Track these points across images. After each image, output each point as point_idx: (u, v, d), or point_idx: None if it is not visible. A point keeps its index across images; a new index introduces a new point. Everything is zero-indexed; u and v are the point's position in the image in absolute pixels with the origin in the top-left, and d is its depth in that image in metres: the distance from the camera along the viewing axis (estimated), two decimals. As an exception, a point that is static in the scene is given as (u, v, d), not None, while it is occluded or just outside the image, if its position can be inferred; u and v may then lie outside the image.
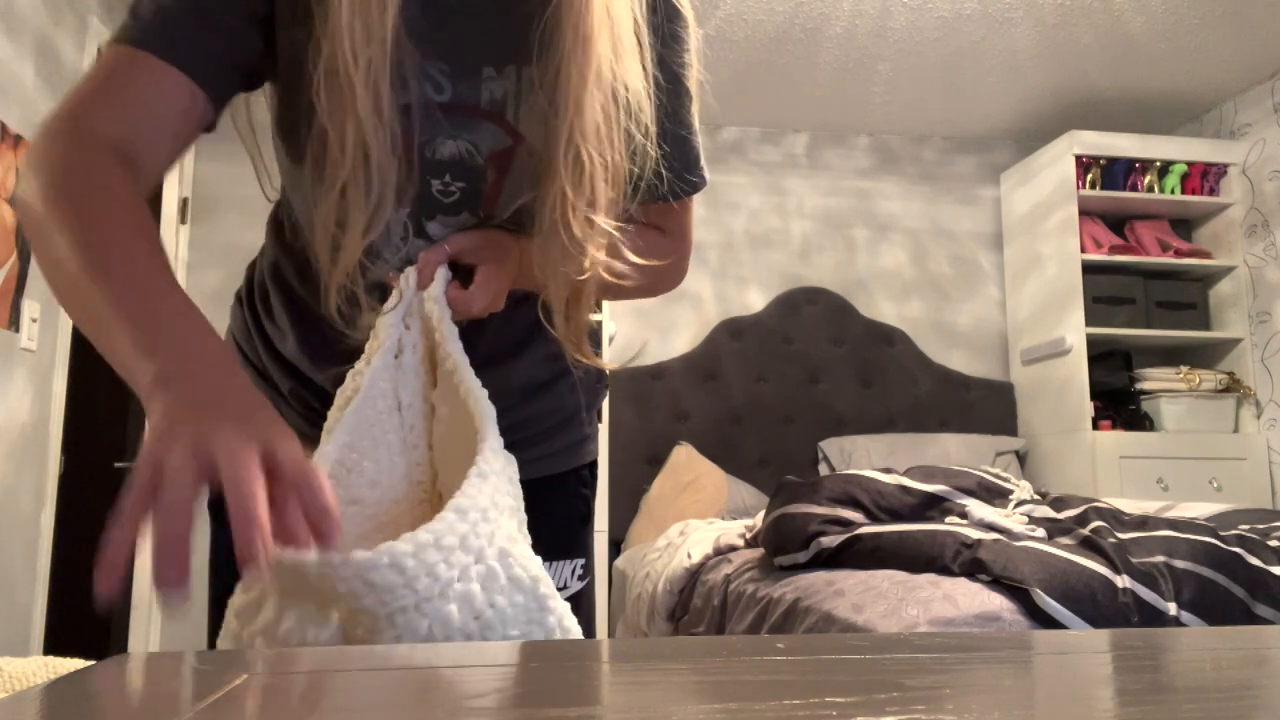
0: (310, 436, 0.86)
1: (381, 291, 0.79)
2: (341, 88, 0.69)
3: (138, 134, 0.69)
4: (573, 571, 0.93)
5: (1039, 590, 1.57)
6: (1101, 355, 3.67)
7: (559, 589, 0.81)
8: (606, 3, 0.74)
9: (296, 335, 0.88)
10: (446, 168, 0.78)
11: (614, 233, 0.76)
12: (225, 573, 0.93)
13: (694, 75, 0.88)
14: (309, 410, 0.89)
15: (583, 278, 0.75)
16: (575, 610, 0.78)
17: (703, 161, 0.93)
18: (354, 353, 0.81)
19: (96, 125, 0.68)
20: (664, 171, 0.81)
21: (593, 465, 0.99)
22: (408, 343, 0.79)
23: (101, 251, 0.61)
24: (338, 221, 0.72)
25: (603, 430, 3.25)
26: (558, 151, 0.74)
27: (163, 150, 0.72)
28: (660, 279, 0.94)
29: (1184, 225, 3.95)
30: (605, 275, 0.77)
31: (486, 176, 0.79)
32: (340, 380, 0.81)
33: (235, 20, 0.72)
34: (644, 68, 0.78)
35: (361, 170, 0.71)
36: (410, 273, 0.78)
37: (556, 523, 0.89)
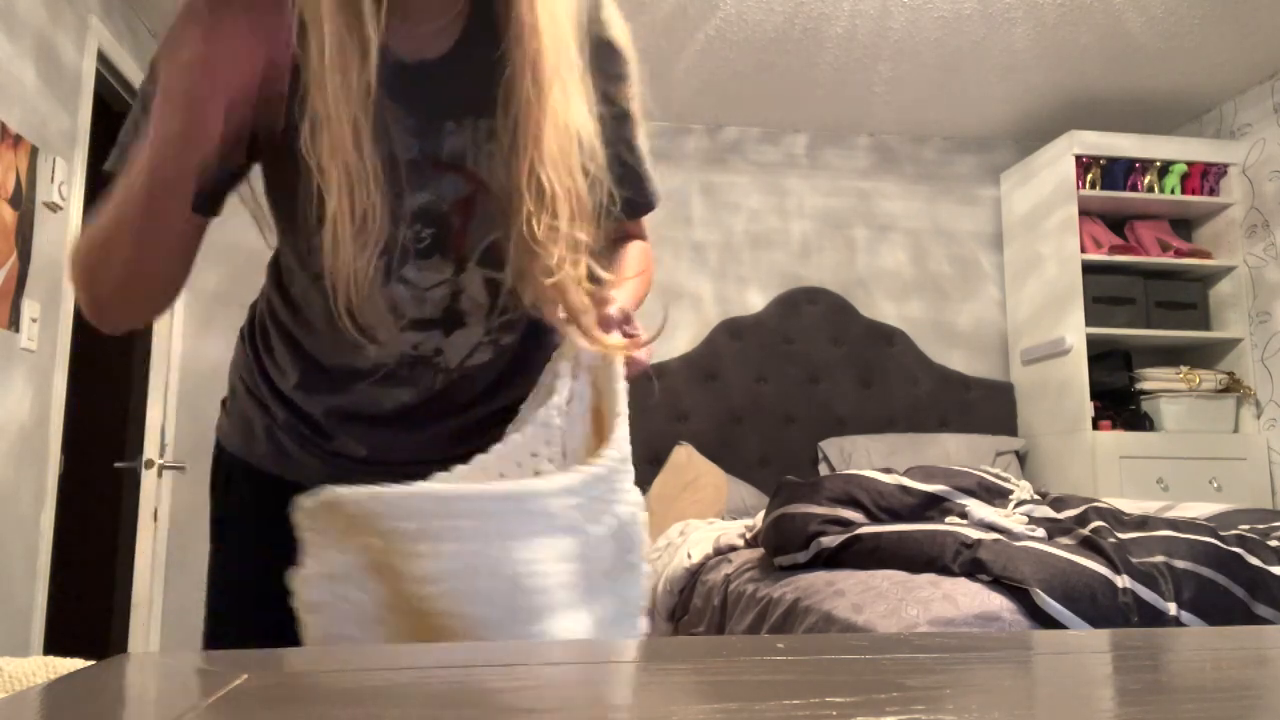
0: (299, 460, 0.98)
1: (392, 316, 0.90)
2: (329, 136, 0.76)
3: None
4: None
5: (1039, 590, 1.57)
6: (1101, 355, 3.67)
7: None
8: (556, 57, 0.82)
9: (293, 370, 0.97)
10: (416, 218, 0.86)
11: (583, 239, 0.84)
12: (224, 591, 1.03)
13: (638, 104, 0.96)
14: (301, 437, 0.99)
15: (552, 281, 0.83)
16: None
17: (653, 181, 1.01)
18: (343, 384, 0.94)
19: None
20: (619, 195, 0.88)
21: None
22: (577, 392, 0.87)
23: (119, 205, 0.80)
24: (339, 254, 0.79)
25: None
26: (520, 184, 0.81)
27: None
28: (645, 283, 1.04)
29: (1184, 225, 3.95)
30: (579, 285, 0.85)
31: (453, 223, 0.87)
32: (332, 411, 0.94)
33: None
34: (589, 110, 0.85)
35: (348, 203, 0.78)
36: (585, 328, 0.87)
37: None
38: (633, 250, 1.04)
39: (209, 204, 0.86)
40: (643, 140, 0.98)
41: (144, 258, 0.83)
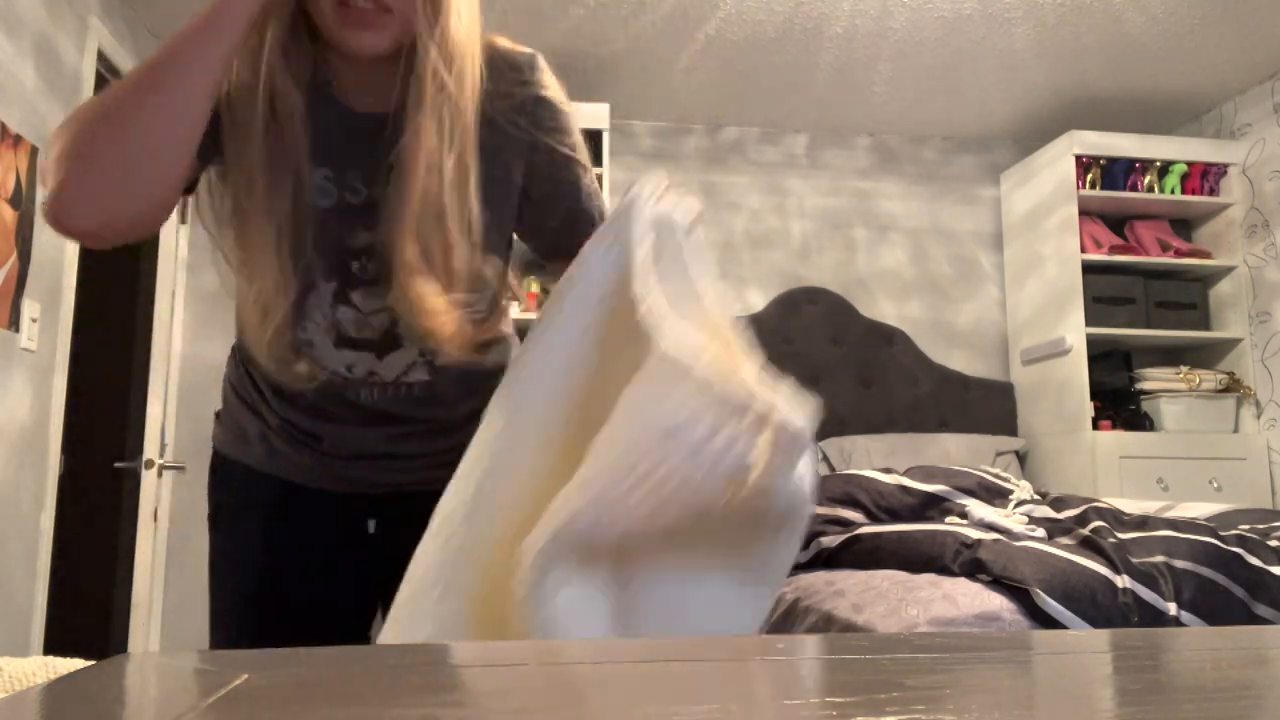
0: (294, 459, 1.08)
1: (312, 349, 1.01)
2: (258, 190, 0.89)
3: None
4: None
5: (1039, 590, 1.57)
6: (1101, 355, 3.67)
7: None
8: (441, 133, 0.91)
9: (267, 384, 1.07)
10: (362, 251, 0.98)
11: (457, 298, 0.94)
12: (225, 582, 1.12)
13: (581, 147, 1.06)
14: (293, 439, 1.08)
15: (426, 331, 0.93)
16: None
17: (598, 201, 1.08)
18: (297, 398, 1.03)
19: None
20: (571, 239, 0.96)
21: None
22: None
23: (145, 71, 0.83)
24: (260, 294, 0.92)
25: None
26: (392, 244, 0.92)
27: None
28: None
29: (1184, 225, 3.95)
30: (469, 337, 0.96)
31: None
32: (310, 415, 1.05)
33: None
34: (472, 185, 0.95)
35: (274, 254, 0.90)
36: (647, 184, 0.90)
37: None
38: None
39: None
40: (590, 180, 1.07)
41: (150, 128, 0.82)
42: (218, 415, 1.16)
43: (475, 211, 0.95)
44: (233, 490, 1.13)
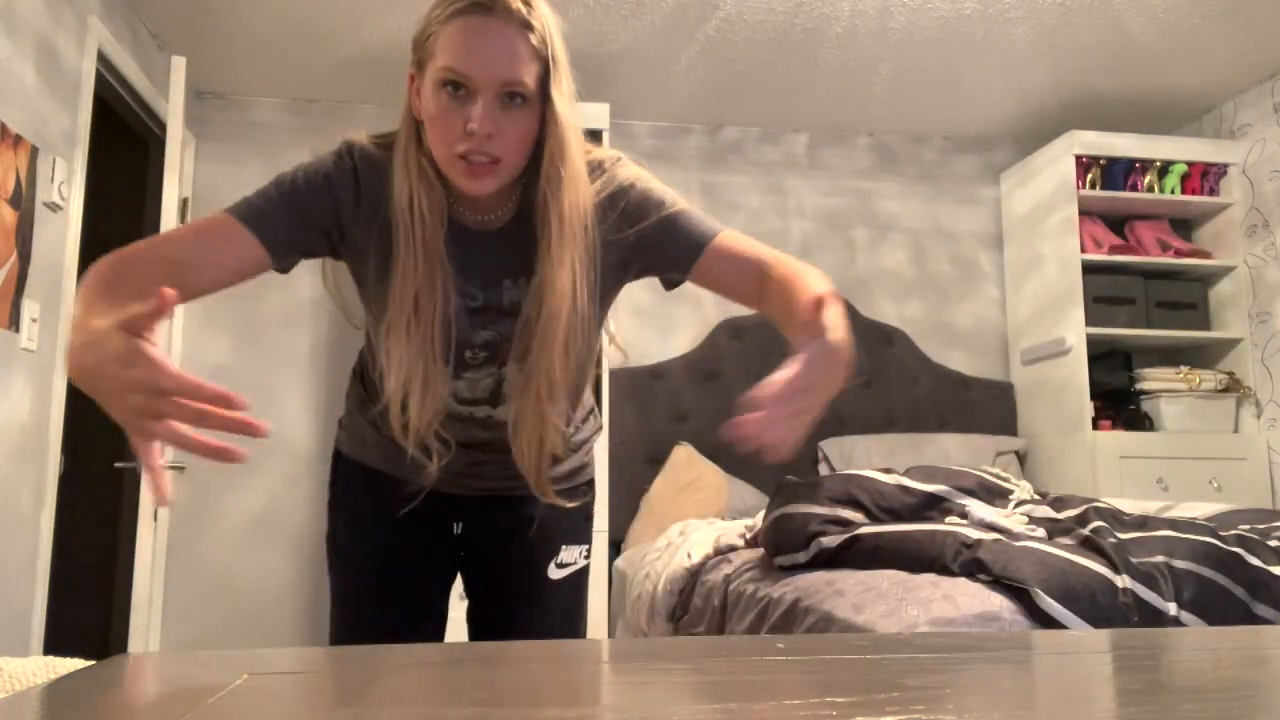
0: (409, 465, 1.18)
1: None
2: (403, 318, 1.08)
3: (192, 260, 1.02)
4: (581, 552, 1.37)
5: (1039, 590, 1.57)
6: (1101, 355, 3.66)
7: (570, 563, 1.35)
8: (570, 230, 1.08)
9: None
10: (480, 346, 1.17)
11: (556, 420, 1.14)
12: (348, 562, 1.33)
13: (667, 197, 1.17)
14: (405, 449, 1.19)
15: (544, 437, 1.13)
16: (578, 580, 1.36)
17: (702, 229, 1.18)
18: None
19: (165, 248, 1.08)
20: (676, 252, 1.16)
21: (591, 480, 1.40)
22: None
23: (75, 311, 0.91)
24: (406, 394, 1.09)
25: (603, 430, 3.24)
26: (534, 388, 1.11)
27: (207, 276, 1.04)
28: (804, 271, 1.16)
29: (1184, 225, 3.95)
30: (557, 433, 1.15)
31: (502, 348, 1.17)
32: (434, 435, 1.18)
33: (307, 225, 1.10)
34: (591, 295, 1.13)
35: (420, 346, 1.09)
36: None
37: (574, 518, 1.34)
38: (811, 280, 1.10)
39: (284, 265, 1.11)
40: (687, 220, 1.17)
41: None
42: (341, 422, 1.37)
43: (592, 325, 1.15)
44: (350, 490, 1.34)
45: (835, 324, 0.89)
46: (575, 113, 1.10)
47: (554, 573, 1.33)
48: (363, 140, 1.13)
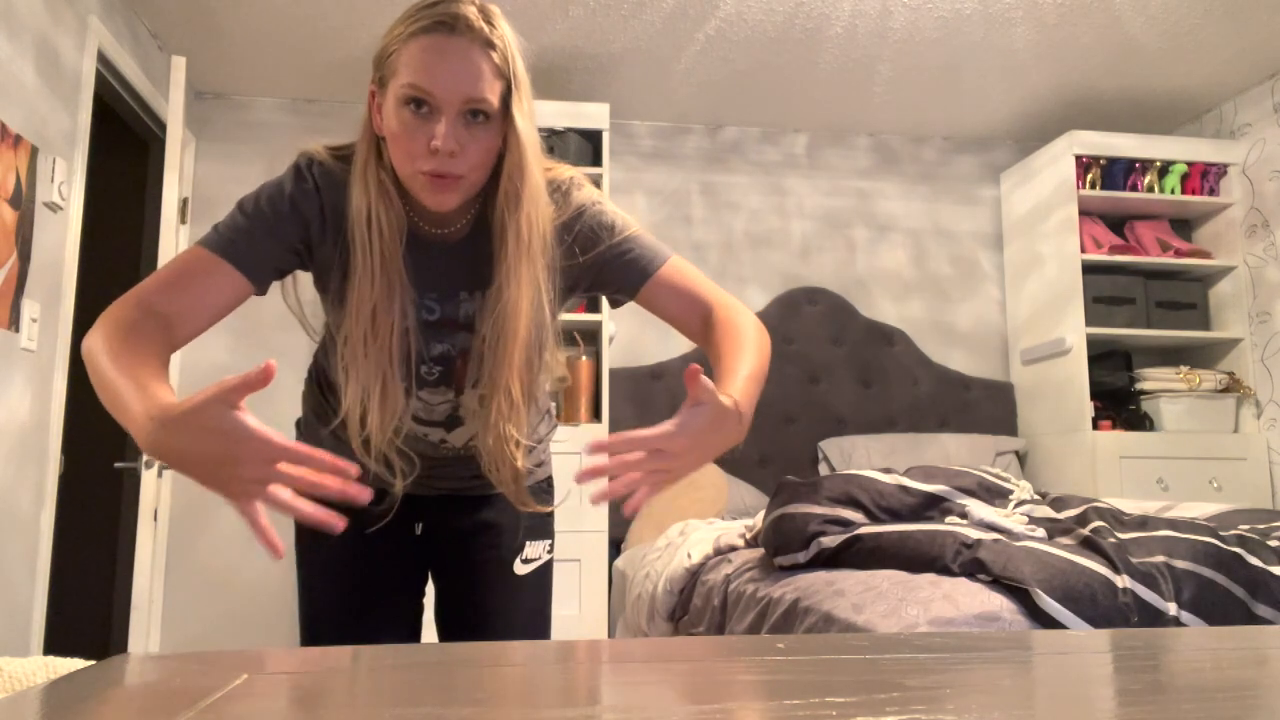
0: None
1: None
2: (359, 331, 1.08)
3: (184, 310, 1.04)
4: (544, 547, 1.37)
5: (1039, 590, 1.57)
6: (1101, 355, 3.67)
7: (534, 559, 1.35)
8: (527, 247, 1.09)
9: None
10: (435, 359, 1.17)
11: (515, 434, 1.12)
12: (312, 569, 1.31)
13: (619, 222, 1.19)
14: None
15: (520, 466, 1.14)
16: (543, 576, 1.36)
17: (649, 257, 1.20)
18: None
19: (156, 302, 1.03)
20: (625, 276, 1.18)
21: (550, 478, 1.42)
22: None
23: (114, 391, 0.91)
24: (364, 408, 1.09)
25: (602, 430, 3.25)
26: (495, 388, 1.11)
27: (200, 321, 1.06)
28: (759, 348, 1.15)
29: (1184, 225, 3.95)
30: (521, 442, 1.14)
31: (457, 365, 1.17)
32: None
33: (279, 246, 1.11)
34: (554, 287, 1.15)
35: (375, 363, 1.08)
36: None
37: (535, 514, 1.33)
38: (741, 344, 1.13)
39: (264, 288, 1.13)
40: (633, 234, 1.20)
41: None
42: (298, 424, 1.36)
43: (550, 338, 1.15)
44: (312, 496, 1.28)
45: (710, 399, 0.95)
46: (535, 131, 1.11)
47: (519, 568, 1.34)
48: (320, 153, 1.13)
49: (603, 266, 1.18)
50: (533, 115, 1.11)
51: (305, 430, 1.34)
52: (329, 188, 1.11)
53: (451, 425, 1.22)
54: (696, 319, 1.17)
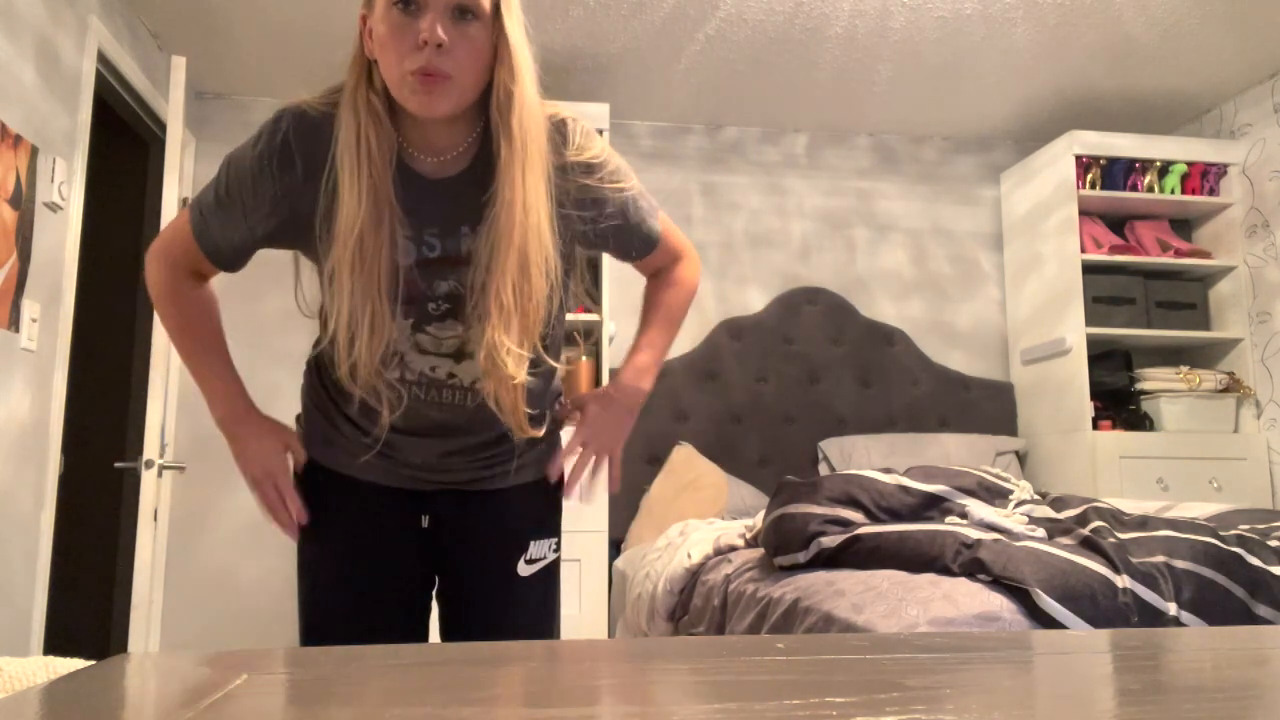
0: (367, 463, 1.27)
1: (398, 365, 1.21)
2: (348, 255, 1.07)
3: (199, 263, 1.21)
4: (549, 546, 1.35)
5: (1039, 590, 1.57)
6: (1101, 355, 3.67)
7: (539, 559, 1.33)
8: (524, 148, 1.09)
9: (354, 400, 1.22)
10: (442, 298, 1.16)
11: (524, 353, 1.12)
12: (308, 572, 1.31)
13: (622, 178, 1.23)
14: (368, 447, 1.24)
15: (516, 382, 1.12)
16: (549, 576, 1.34)
17: (650, 224, 1.30)
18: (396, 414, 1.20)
19: (176, 257, 1.22)
20: (625, 246, 1.29)
21: (562, 475, 1.38)
22: None
23: (189, 348, 1.30)
24: (352, 335, 1.10)
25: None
26: (489, 298, 1.10)
27: (216, 272, 1.24)
28: (682, 285, 1.38)
29: (1184, 225, 3.95)
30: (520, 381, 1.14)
31: (464, 300, 1.15)
32: (393, 425, 1.21)
33: (254, 215, 1.15)
34: (552, 230, 1.14)
35: (363, 308, 1.08)
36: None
37: (541, 509, 1.35)
38: (663, 300, 1.37)
39: (234, 266, 1.22)
40: (633, 198, 1.26)
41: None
42: (298, 419, 1.35)
43: (552, 254, 1.13)
44: (311, 495, 1.29)
45: (575, 416, 1.34)
46: (527, 45, 1.11)
47: (523, 569, 1.31)
48: (297, 105, 1.14)
49: (608, 230, 1.23)
50: (524, 27, 1.11)
51: (306, 425, 1.32)
52: (300, 136, 1.11)
53: (459, 358, 1.19)
54: (650, 270, 1.37)
